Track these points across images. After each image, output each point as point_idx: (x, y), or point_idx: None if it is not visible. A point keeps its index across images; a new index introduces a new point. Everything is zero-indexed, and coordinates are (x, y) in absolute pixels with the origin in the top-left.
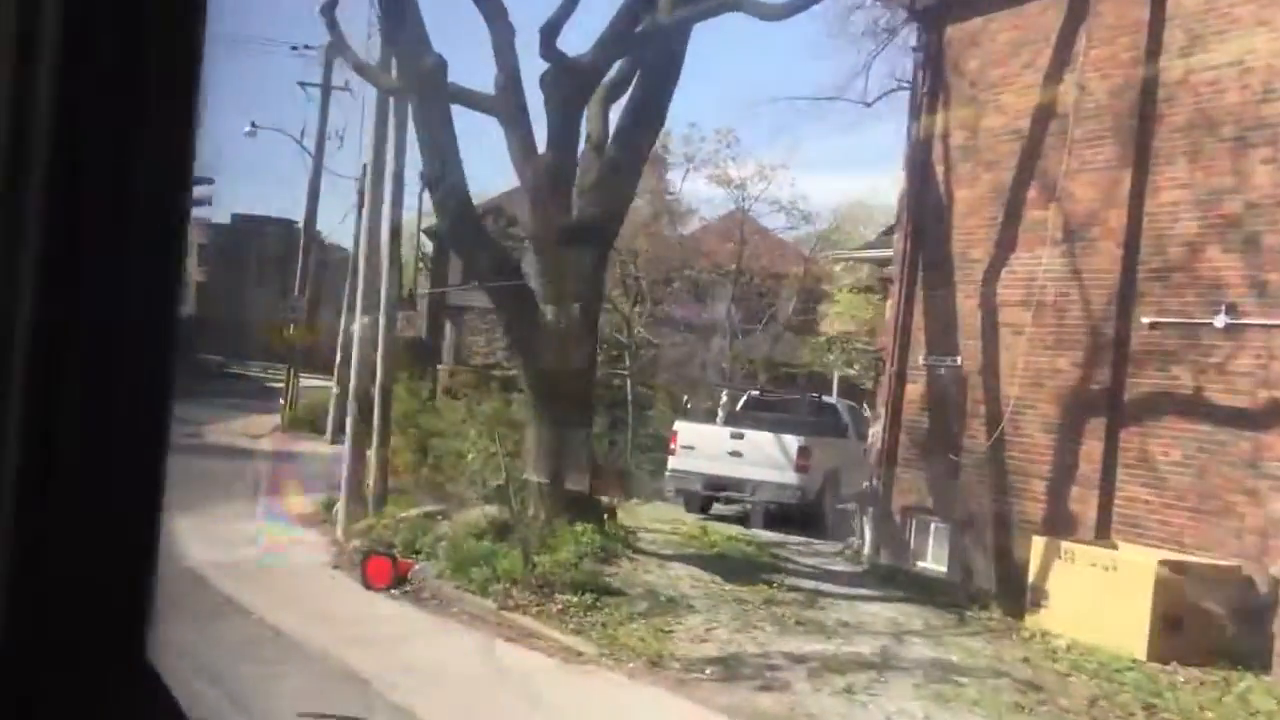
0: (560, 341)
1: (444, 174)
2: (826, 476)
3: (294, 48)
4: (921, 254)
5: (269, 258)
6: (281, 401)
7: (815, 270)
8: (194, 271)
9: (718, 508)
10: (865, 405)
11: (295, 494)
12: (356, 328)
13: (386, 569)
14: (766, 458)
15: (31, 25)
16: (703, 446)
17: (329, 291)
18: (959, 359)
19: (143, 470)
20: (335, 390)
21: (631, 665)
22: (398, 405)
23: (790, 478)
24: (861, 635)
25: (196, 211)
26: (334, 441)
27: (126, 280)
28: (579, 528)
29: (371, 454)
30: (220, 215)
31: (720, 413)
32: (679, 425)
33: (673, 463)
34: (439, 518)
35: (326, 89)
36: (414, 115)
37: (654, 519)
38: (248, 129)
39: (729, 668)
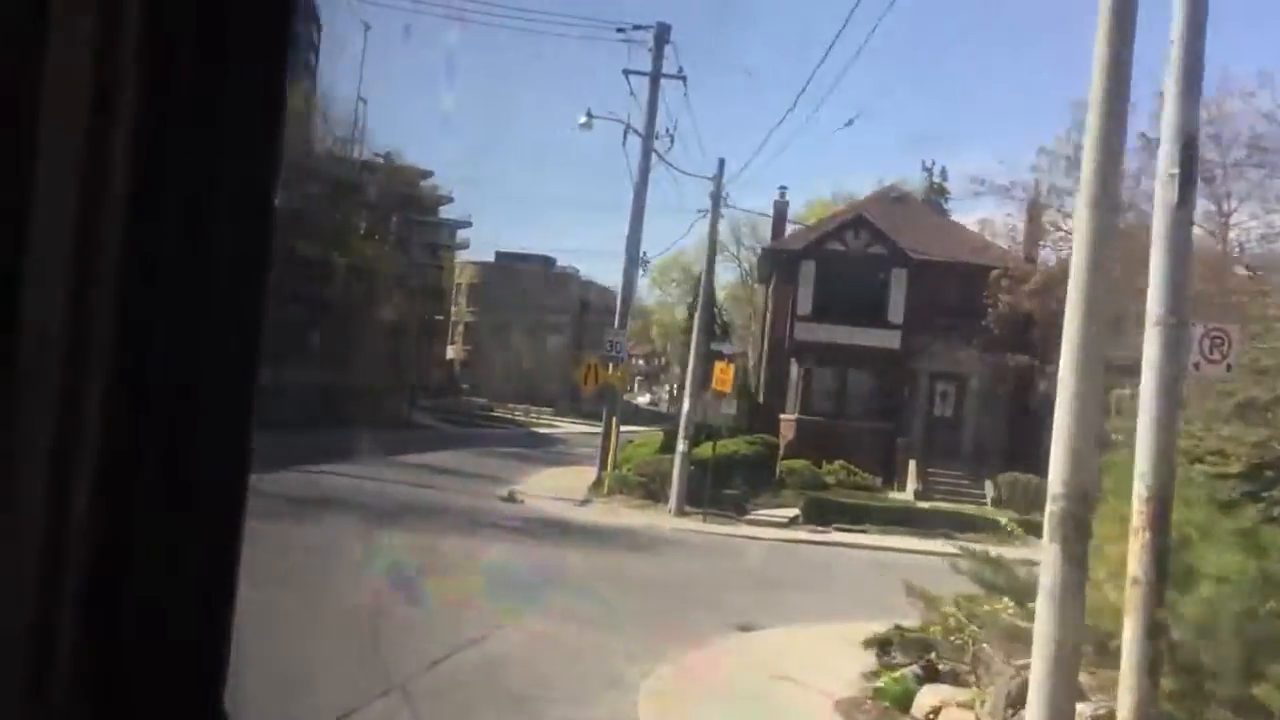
0: None
1: None
2: None
3: (619, 30)
4: None
5: (531, 296)
6: (601, 457)
7: None
8: (462, 312)
9: None
10: None
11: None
12: (1070, 369)
13: None
14: None
15: (111, 60)
16: None
17: (595, 336)
18: None
19: (220, 518)
20: (682, 447)
21: None
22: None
23: None
24: None
25: (461, 254)
26: (679, 514)
27: (207, 317)
28: None
29: (1130, 647)
30: (486, 254)
31: None
32: None
33: None
34: None
35: (656, 77)
36: None
37: None
38: (582, 120)
39: None
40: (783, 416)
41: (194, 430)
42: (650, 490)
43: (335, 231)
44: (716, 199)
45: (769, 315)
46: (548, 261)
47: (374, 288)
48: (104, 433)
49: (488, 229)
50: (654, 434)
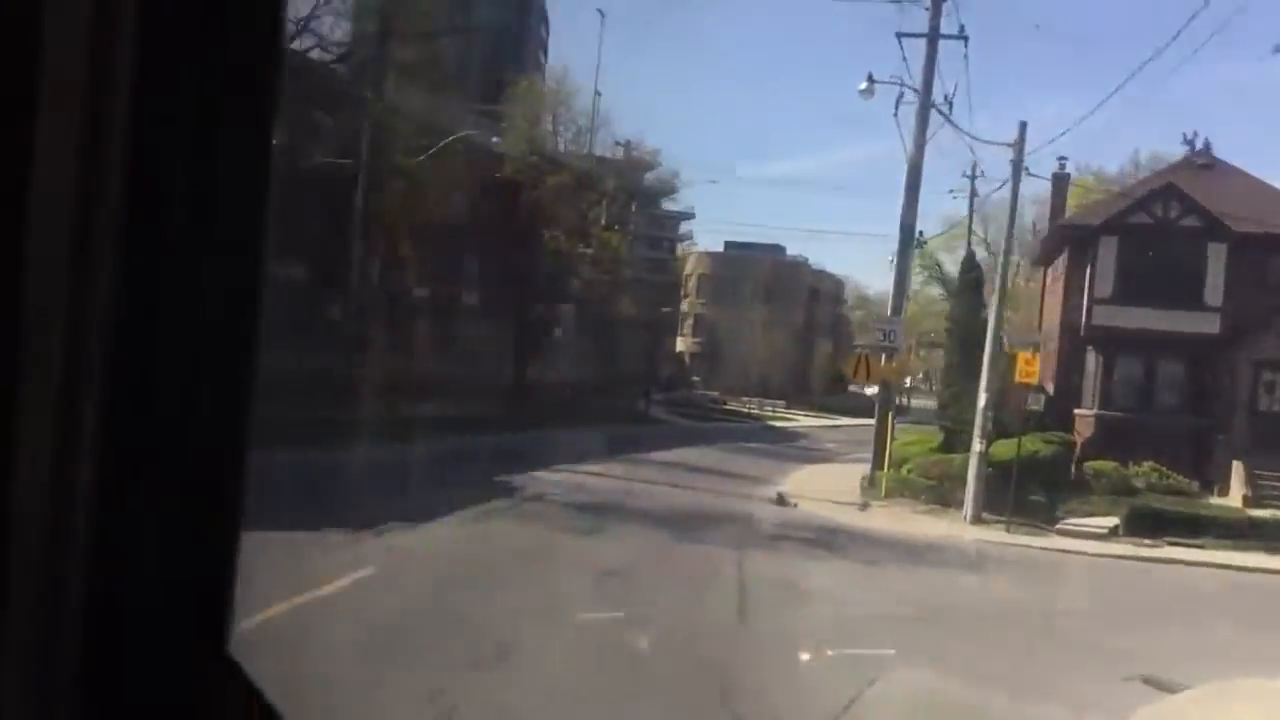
0: None
1: None
2: None
3: None
4: None
5: (761, 286)
6: (874, 456)
7: None
8: (693, 304)
9: None
10: None
11: None
12: None
13: None
14: None
15: (105, 56)
16: None
17: (825, 324)
18: None
19: (223, 470)
20: (979, 446)
21: None
22: None
23: None
24: None
25: (690, 244)
26: (976, 522)
27: (203, 298)
28: None
29: None
30: (715, 244)
31: None
32: None
33: None
34: None
35: (934, 38)
36: None
37: None
38: (862, 86)
39: None
40: (1078, 411)
41: (195, 397)
42: (938, 494)
43: (577, 223)
44: (1018, 167)
45: (1058, 299)
46: (777, 250)
47: (616, 280)
48: (105, 403)
49: (716, 216)
50: (913, 429)
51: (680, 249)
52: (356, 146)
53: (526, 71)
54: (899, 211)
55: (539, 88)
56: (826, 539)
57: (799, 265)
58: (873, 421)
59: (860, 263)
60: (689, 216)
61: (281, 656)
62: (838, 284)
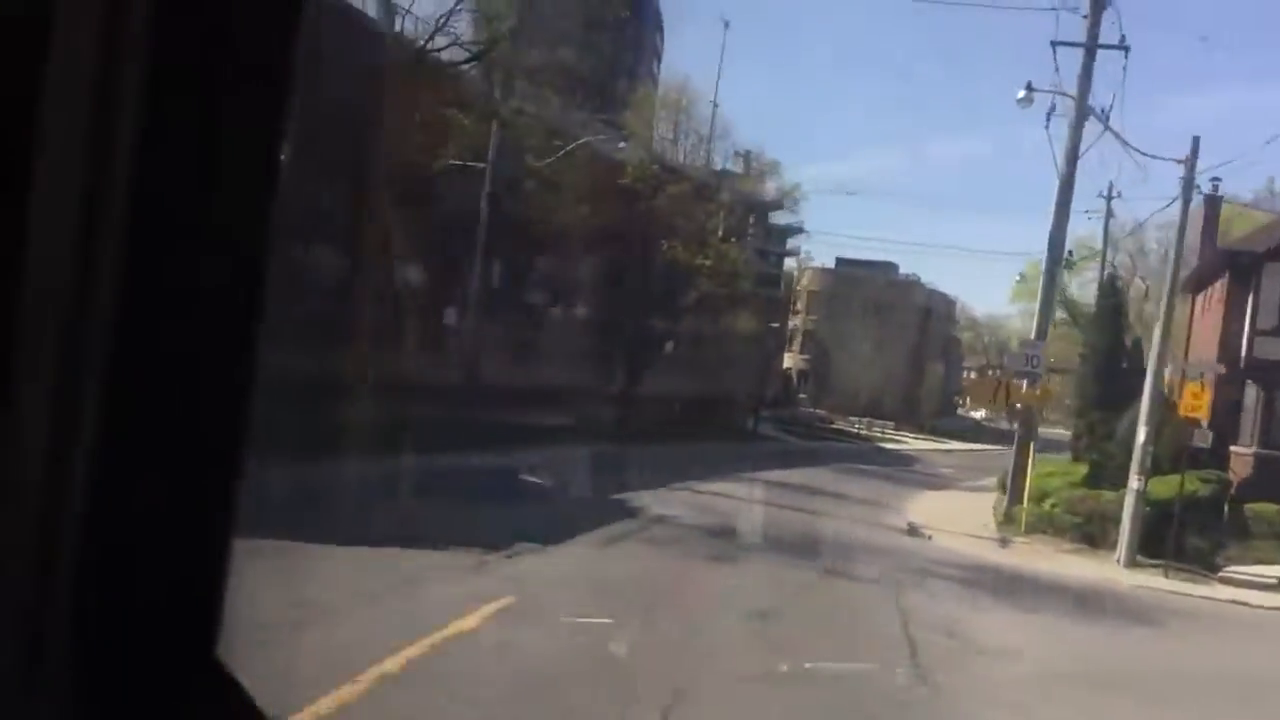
0: None
1: None
2: None
3: None
4: None
5: (873, 304)
6: (1012, 487)
7: None
8: (804, 321)
9: None
10: None
11: None
12: None
13: None
14: None
15: (113, 68)
16: None
17: (936, 346)
18: None
19: (221, 472)
20: (1137, 484)
21: None
22: None
23: None
24: None
25: (799, 259)
26: (1130, 565)
27: (202, 302)
28: None
29: None
30: (826, 259)
31: None
32: None
33: None
34: None
35: (1092, 48)
36: None
37: None
38: (1020, 95)
39: None
40: (1235, 449)
41: (194, 398)
42: (1084, 532)
43: (695, 234)
44: (1189, 184)
45: (1211, 329)
46: (890, 268)
47: (733, 293)
48: (104, 403)
49: (819, 228)
50: (1042, 459)
51: (790, 263)
52: (484, 148)
53: (640, 79)
54: (1048, 228)
55: (655, 96)
56: (975, 578)
57: (912, 284)
58: (983, 446)
59: (969, 282)
60: (800, 230)
61: (438, 699)
62: (949, 304)
